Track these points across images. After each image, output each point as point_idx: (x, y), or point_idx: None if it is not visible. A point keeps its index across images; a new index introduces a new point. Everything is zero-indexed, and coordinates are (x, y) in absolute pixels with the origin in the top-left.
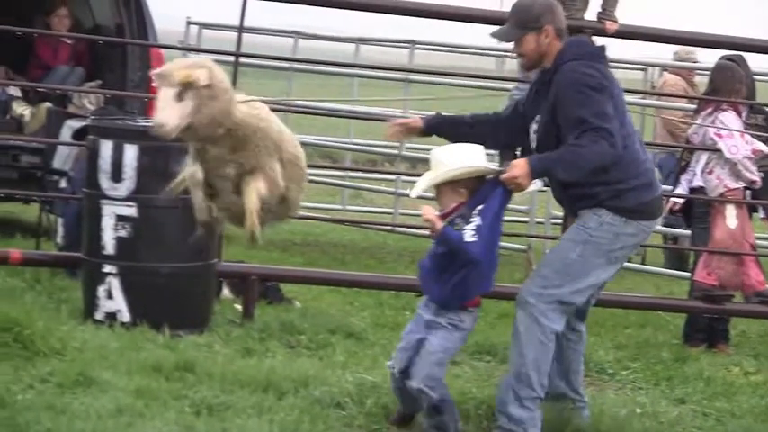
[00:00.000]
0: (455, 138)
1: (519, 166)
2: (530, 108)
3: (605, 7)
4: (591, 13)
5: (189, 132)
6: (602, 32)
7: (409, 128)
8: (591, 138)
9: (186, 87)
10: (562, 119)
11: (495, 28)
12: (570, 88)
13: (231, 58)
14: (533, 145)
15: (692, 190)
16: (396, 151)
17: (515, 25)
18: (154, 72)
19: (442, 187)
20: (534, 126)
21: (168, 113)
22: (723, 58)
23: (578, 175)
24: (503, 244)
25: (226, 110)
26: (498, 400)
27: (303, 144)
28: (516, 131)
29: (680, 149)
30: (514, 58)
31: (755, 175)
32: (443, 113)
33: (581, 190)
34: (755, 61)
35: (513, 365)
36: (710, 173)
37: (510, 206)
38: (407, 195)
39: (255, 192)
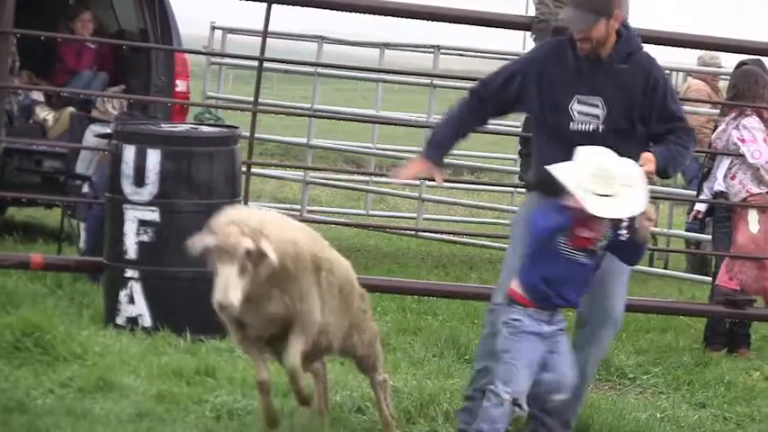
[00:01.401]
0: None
1: (652, 161)
2: (567, 88)
3: None
4: None
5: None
6: None
7: (419, 171)
8: (692, 136)
9: (248, 258)
10: (656, 108)
11: (519, 33)
12: (663, 80)
13: (255, 63)
14: (583, 127)
15: (714, 194)
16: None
17: (589, 10)
18: (210, 244)
19: None
20: (580, 107)
21: (233, 292)
22: (742, 62)
23: (674, 172)
24: (489, 244)
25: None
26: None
27: (327, 149)
28: (502, 107)
29: (702, 155)
30: None
31: None
32: (437, 139)
33: None
34: None
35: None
36: (733, 178)
37: (501, 206)
38: (431, 200)
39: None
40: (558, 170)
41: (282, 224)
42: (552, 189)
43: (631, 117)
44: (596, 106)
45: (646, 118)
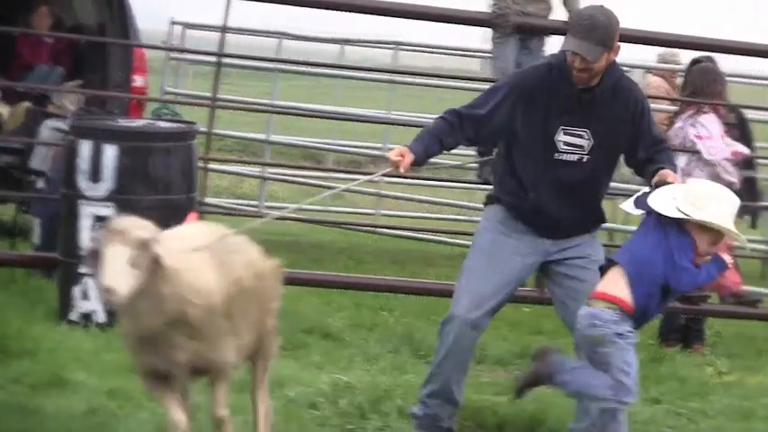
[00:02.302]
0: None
1: (674, 176)
2: (554, 119)
3: (569, 7)
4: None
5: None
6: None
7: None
8: (672, 155)
9: (141, 251)
10: (643, 134)
11: (478, 29)
12: (646, 102)
13: (214, 59)
14: (567, 157)
15: None
16: (378, 152)
17: (598, 43)
18: (107, 225)
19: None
20: (566, 137)
21: (122, 279)
22: (696, 60)
23: None
24: (448, 240)
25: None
26: None
27: (286, 145)
28: (480, 134)
29: None
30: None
31: (734, 177)
32: (426, 134)
33: (596, 213)
34: (726, 62)
35: None
36: (689, 175)
37: (461, 203)
38: (389, 196)
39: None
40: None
41: (195, 264)
42: (519, 207)
43: (617, 146)
44: (582, 137)
45: (633, 146)
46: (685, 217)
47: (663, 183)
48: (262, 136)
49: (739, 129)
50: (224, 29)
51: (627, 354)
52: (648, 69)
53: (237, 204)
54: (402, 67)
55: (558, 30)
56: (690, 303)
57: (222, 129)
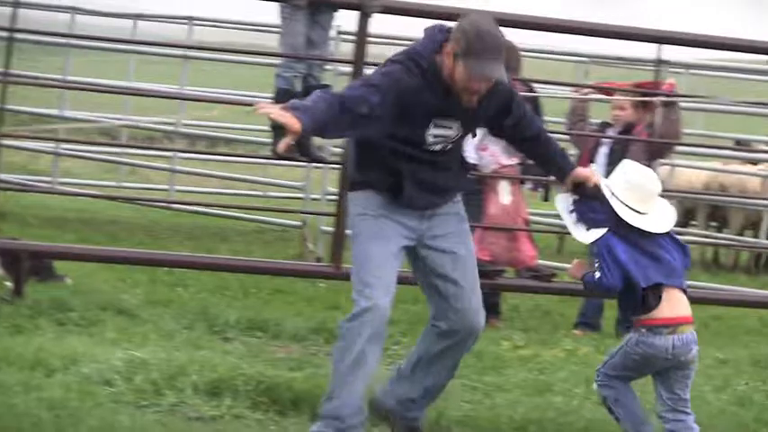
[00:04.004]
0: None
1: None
2: (427, 117)
3: None
4: None
5: None
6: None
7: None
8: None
9: None
10: (516, 119)
11: None
12: (518, 94)
13: (5, 34)
14: (433, 147)
15: None
16: (172, 128)
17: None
18: None
19: None
20: (435, 130)
21: None
22: None
23: None
24: (276, 220)
25: None
26: None
27: (80, 121)
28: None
29: None
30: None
31: None
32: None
33: (460, 177)
34: (521, 37)
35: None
36: (484, 149)
37: (285, 182)
38: (183, 172)
39: None
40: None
41: None
42: (392, 192)
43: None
44: (451, 128)
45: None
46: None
47: (585, 186)
48: (55, 111)
49: (531, 103)
50: (16, 3)
51: None
52: None
53: (31, 180)
54: (195, 42)
55: (348, 4)
56: (485, 277)
57: (15, 104)
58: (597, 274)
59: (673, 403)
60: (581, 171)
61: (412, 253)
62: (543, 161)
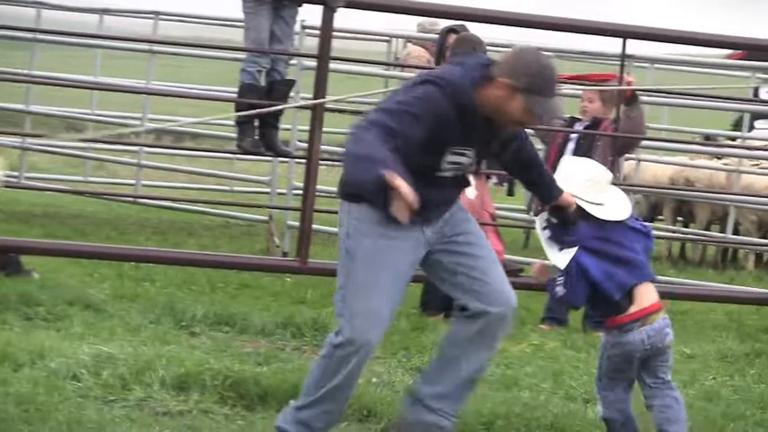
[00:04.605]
0: None
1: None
2: (447, 144)
3: None
4: None
5: None
6: None
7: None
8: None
9: None
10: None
11: None
12: None
13: None
14: (444, 174)
15: None
16: (139, 123)
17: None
18: None
19: None
20: (451, 157)
21: None
22: (450, 28)
23: None
24: (242, 215)
25: None
26: None
27: (46, 115)
28: None
29: None
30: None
31: None
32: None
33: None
34: (487, 31)
35: None
36: None
37: (252, 177)
38: (150, 166)
39: None
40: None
41: None
42: (383, 200)
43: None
44: (466, 156)
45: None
46: None
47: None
48: (21, 106)
49: None
50: None
51: None
52: (409, 39)
53: None
54: (161, 37)
55: None
56: None
57: None
58: (559, 289)
59: (658, 386)
60: (566, 196)
61: (424, 259)
62: (535, 184)
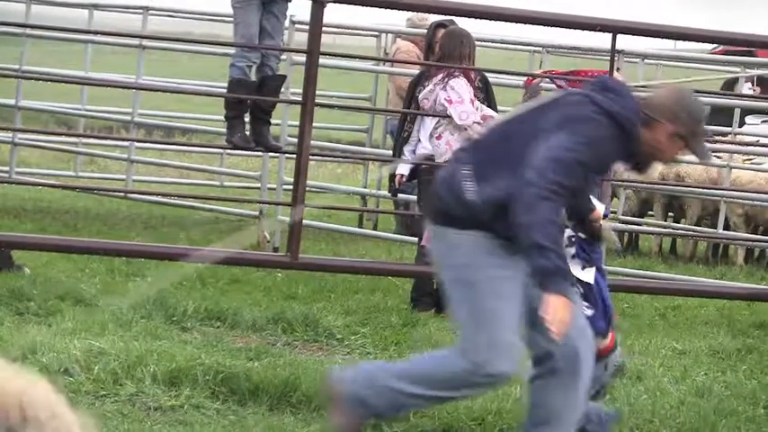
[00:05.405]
0: None
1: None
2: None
3: None
4: None
5: None
6: None
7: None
8: None
9: None
10: None
11: None
12: None
13: None
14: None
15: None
16: (129, 117)
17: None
18: None
19: None
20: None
21: None
22: (440, 23)
23: None
24: (233, 210)
25: None
26: None
27: (36, 110)
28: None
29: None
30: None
31: None
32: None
33: None
34: (475, 27)
35: None
36: (439, 138)
37: (242, 172)
38: (141, 161)
39: None
40: None
41: None
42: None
43: None
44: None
45: None
46: None
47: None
48: (11, 101)
49: (484, 92)
50: None
51: None
52: (398, 34)
53: None
54: (151, 32)
55: None
56: None
57: None
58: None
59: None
60: (596, 212)
61: None
62: (580, 211)
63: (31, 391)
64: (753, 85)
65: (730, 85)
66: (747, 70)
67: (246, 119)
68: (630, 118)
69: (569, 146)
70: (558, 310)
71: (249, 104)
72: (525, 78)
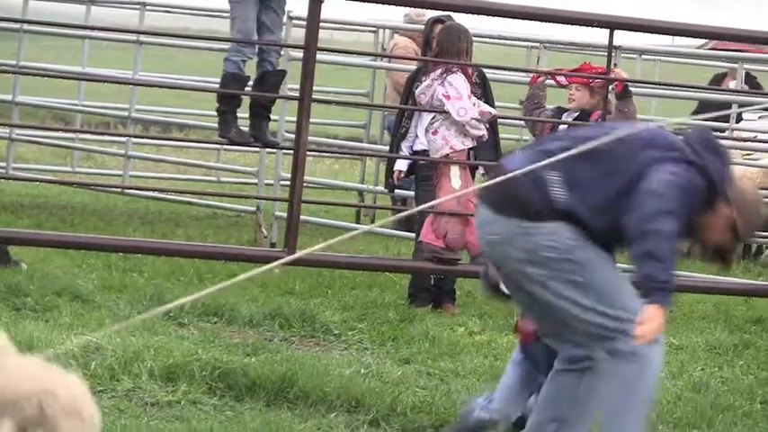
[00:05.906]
0: None
1: None
2: None
3: None
4: None
5: None
6: None
7: None
8: None
9: None
10: None
11: None
12: None
13: None
14: None
15: (415, 153)
16: (126, 113)
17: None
18: None
19: None
20: None
21: None
22: (437, 19)
23: None
24: (230, 206)
25: None
26: None
27: (33, 106)
28: None
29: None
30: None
31: (482, 130)
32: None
33: None
34: (473, 22)
35: None
36: (435, 133)
37: (239, 168)
38: (137, 157)
39: None
40: None
41: None
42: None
43: None
44: None
45: None
46: None
47: None
48: (8, 97)
49: (481, 87)
50: None
51: None
52: (396, 30)
53: None
54: (148, 27)
55: None
56: (442, 264)
57: None
58: None
59: None
60: None
61: None
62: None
63: (54, 389)
64: (740, 82)
65: (718, 80)
66: (745, 66)
67: (244, 114)
68: (723, 182)
69: (664, 185)
70: (654, 322)
71: (250, 100)
72: (524, 75)
